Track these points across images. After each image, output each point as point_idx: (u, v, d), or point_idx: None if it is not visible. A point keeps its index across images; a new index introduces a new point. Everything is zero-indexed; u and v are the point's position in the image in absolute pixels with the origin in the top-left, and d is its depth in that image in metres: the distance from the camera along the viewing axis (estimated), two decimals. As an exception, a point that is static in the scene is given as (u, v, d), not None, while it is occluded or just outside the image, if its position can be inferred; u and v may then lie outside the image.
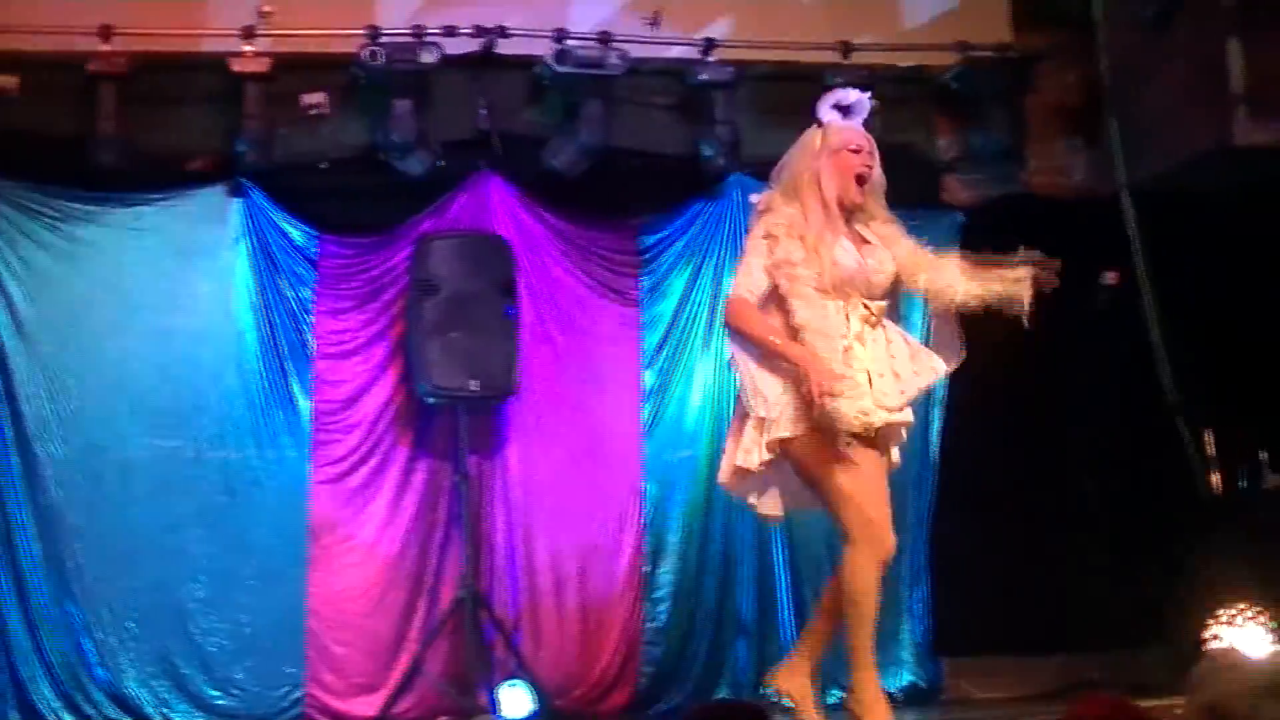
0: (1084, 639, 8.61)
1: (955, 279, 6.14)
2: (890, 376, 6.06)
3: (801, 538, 8.49)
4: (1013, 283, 6.13)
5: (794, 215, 6.07)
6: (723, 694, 8.34)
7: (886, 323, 6.15)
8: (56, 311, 8.09)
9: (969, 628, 8.56)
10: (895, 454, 6.23)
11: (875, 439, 6.03)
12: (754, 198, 6.33)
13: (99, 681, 7.95)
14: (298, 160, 8.20)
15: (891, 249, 6.19)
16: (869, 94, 6.38)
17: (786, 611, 8.49)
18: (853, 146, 6.17)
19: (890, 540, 6.10)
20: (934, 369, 6.21)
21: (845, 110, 6.31)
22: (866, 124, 6.32)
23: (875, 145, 6.25)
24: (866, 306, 6.10)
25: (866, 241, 6.19)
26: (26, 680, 7.88)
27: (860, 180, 6.15)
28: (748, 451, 6.04)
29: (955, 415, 8.68)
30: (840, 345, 5.97)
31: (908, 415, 6.17)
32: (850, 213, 6.18)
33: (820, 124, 6.26)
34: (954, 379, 8.50)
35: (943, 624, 8.63)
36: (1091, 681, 8.33)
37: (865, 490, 6.03)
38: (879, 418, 5.95)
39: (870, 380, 5.98)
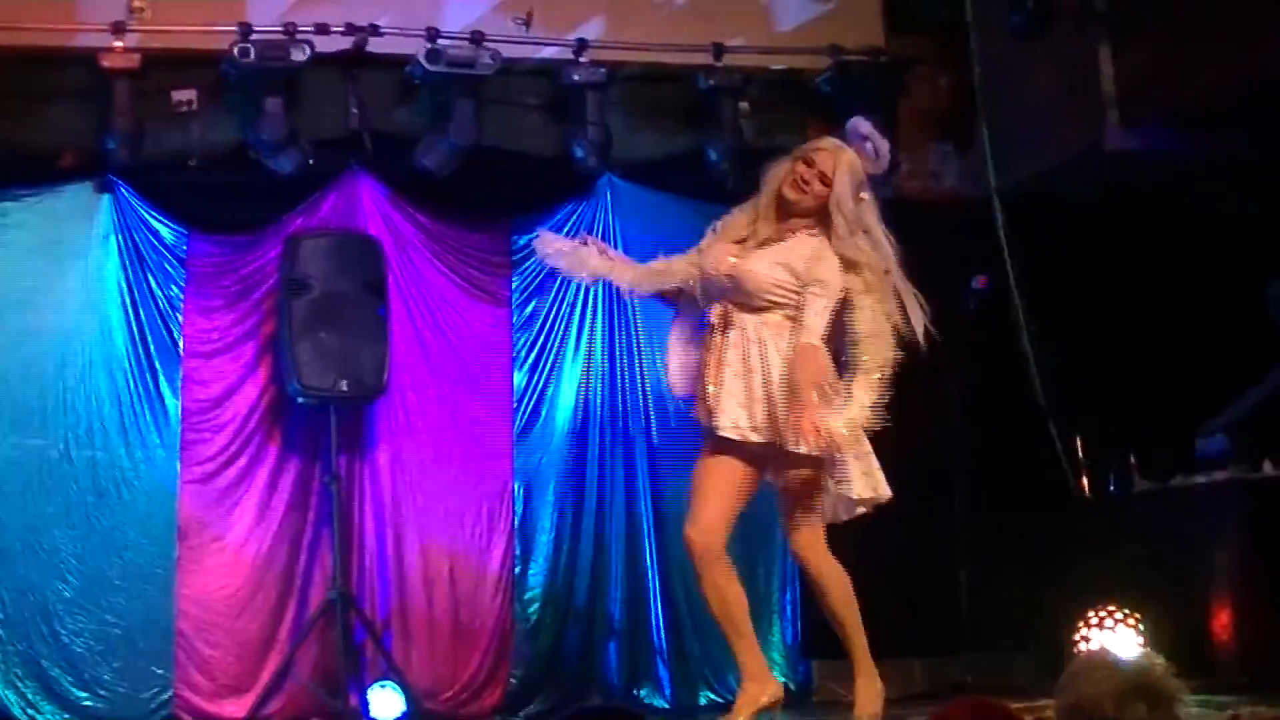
0: (954, 641, 8.68)
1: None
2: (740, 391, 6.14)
3: (672, 537, 8.50)
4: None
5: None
6: (594, 695, 8.35)
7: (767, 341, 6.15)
8: (-77, 308, 8.01)
9: (839, 630, 8.60)
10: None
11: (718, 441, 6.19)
12: None
13: (-36, 682, 7.88)
14: (167, 157, 8.14)
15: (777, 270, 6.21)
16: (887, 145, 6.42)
17: (657, 613, 8.52)
18: (807, 157, 6.25)
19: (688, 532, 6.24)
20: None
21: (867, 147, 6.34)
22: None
23: (847, 180, 6.20)
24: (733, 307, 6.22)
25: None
26: (-113, 682, 7.82)
27: (795, 188, 6.20)
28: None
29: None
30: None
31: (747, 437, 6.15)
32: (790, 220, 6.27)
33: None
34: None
35: (812, 626, 8.62)
36: (962, 684, 8.37)
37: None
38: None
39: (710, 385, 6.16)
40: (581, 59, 8.32)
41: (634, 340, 8.61)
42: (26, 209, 8.13)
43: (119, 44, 7.94)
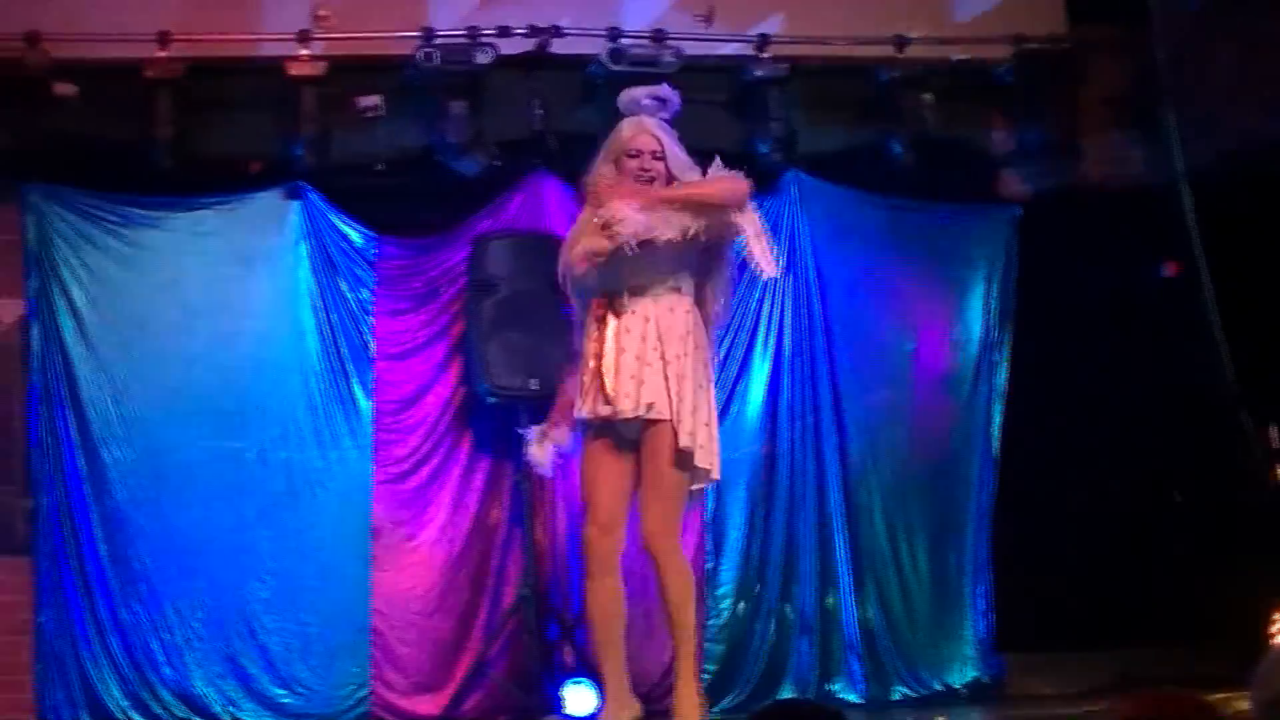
0: (1145, 634, 8.56)
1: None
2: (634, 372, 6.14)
3: (865, 532, 8.51)
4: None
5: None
6: (786, 691, 8.33)
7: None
8: (119, 316, 8.16)
9: (1031, 623, 8.54)
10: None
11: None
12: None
13: (166, 681, 8.03)
14: (354, 162, 8.24)
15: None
16: (668, 88, 6.50)
17: (849, 607, 8.50)
18: (631, 149, 6.27)
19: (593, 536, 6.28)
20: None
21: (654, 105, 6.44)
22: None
23: (668, 140, 6.31)
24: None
25: None
26: (95, 681, 7.98)
27: (640, 181, 6.24)
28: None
29: (1015, 410, 8.67)
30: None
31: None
32: None
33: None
34: (1014, 374, 8.64)
35: (1005, 619, 8.61)
36: (1153, 676, 8.27)
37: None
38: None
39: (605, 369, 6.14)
40: (763, 55, 8.32)
41: (823, 335, 8.59)
42: (219, 217, 8.27)
43: (304, 52, 8.06)
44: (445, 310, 8.37)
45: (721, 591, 8.45)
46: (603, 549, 6.26)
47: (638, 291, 6.19)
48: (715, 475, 6.27)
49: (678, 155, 6.31)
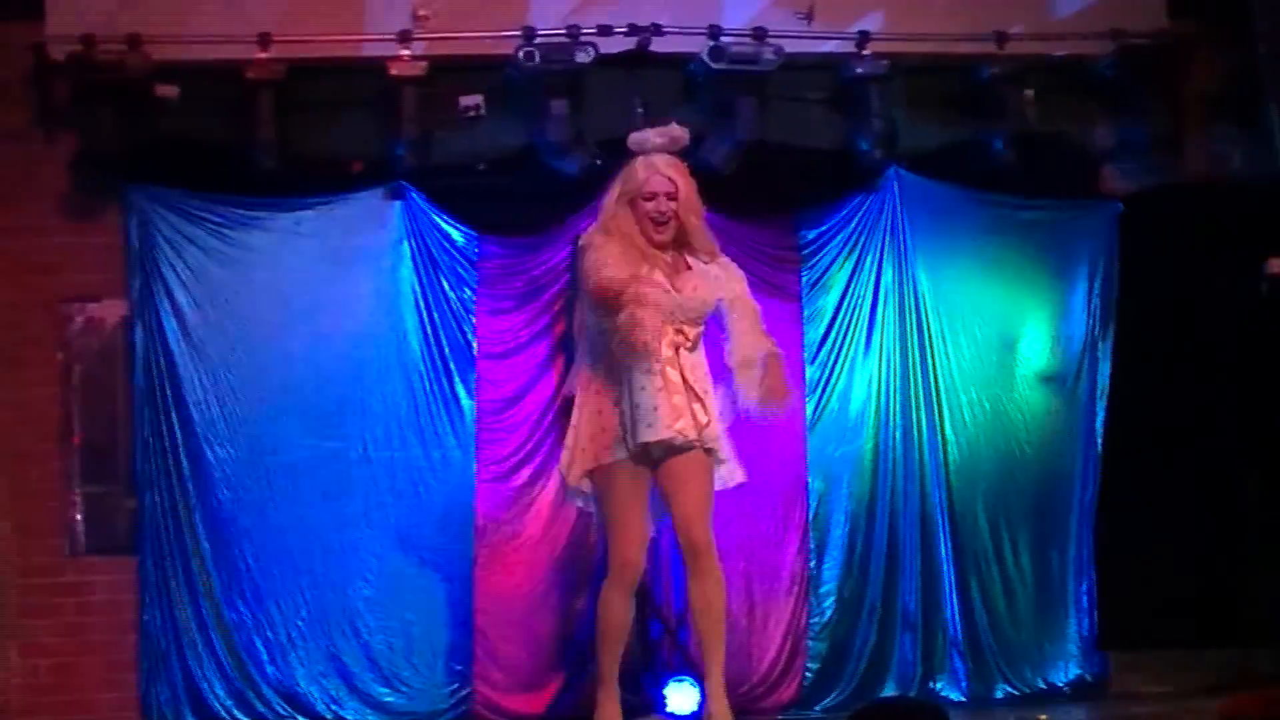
0: (1252, 631, 8.50)
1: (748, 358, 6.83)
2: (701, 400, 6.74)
3: (967, 530, 8.49)
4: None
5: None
6: (888, 690, 8.34)
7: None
8: (222, 317, 8.22)
9: (1135, 621, 8.49)
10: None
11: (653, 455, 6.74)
12: (581, 239, 7.03)
13: (270, 679, 8.10)
14: (455, 162, 8.25)
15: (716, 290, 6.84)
16: (677, 127, 6.92)
17: (952, 605, 8.49)
18: (646, 193, 6.68)
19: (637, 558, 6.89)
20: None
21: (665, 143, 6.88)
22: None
23: (684, 183, 6.77)
24: (680, 331, 6.71)
25: (688, 268, 6.80)
26: (200, 679, 8.05)
27: (657, 226, 6.71)
28: None
29: (1118, 407, 8.62)
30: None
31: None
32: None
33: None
34: (1117, 370, 8.59)
35: (1109, 618, 8.56)
36: (1260, 674, 8.23)
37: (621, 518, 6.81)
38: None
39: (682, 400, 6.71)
40: (863, 52, 8.30)
41: (924, 332, 8.56)
42: (320, 217, 8.31)
43: (405, 52, 8.09)
44: (547, 309, 8.40)
45: (824, 590, 8.46)
46: (639, 570, 6.89)
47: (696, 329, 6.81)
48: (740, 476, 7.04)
49: (690, 196, 6.76)
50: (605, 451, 6.77)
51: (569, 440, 6.93)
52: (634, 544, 6.79)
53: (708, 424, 6.79)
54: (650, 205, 6.63)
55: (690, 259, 6.87)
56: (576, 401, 6.92)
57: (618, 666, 6.90)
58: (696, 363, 6.83)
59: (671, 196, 6.65)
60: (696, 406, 6.75)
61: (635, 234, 6.74)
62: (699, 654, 8.02)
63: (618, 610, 6.84)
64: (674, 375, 6.71)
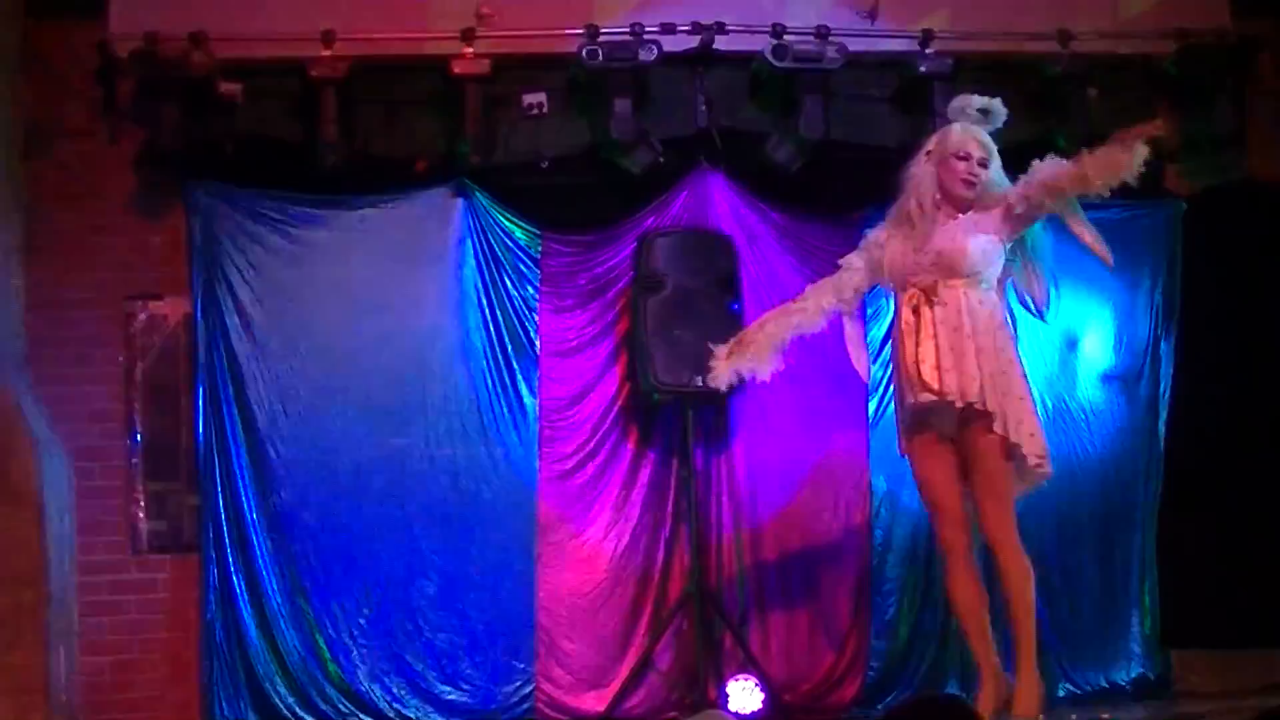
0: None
1: (1056, 167, 6.52)
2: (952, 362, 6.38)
3: (1033, 529, 8.42)
4: (1120, 153, 6.53)
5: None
6: (951, 689, 8.28)
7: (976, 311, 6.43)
8: (285, 314, 8.23)
9: (1199, 620, 8.46)
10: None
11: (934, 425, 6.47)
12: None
13: (332, 678, 8.09)
14: (519, 160, 8.26)
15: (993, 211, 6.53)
16: (999, 102, 6.73)
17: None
18: (961, 153, 6.55)
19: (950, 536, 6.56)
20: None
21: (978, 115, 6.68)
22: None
23: (991, 154, 6.60)
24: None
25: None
26: (262, 678, 8.05)
27: (967, 185, 6.54)
28: None
29: (1182, 406, 8.60)
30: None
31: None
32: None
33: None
34: (1181, 370, 8.55)
35: (1173, 616, 8.53)
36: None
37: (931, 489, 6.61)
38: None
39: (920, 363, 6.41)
40: (927, 50, 8.29)
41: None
42: (384, 214, 8.32)
43: (469, 50, 8.10)
44: (610, 307, 8.40)
45: (887, 588, 8.44)
46: (961, 545, 6.57)
47: (949, 284, 6.45)
48: (1047, 469, 6.57)
49: (995, 170, 6.58)
50: None
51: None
52: (943, 523, 6.59)
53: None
54: (963, 166, 6.53)
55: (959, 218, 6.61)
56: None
57: (987, 648, 6.58)
58: None
59: (983, 163, 6.56)
60: None
61: (928, 192, 6.58)
62: (759, 652, 8.10)
63: (954, 593, 6.64)
64: None
